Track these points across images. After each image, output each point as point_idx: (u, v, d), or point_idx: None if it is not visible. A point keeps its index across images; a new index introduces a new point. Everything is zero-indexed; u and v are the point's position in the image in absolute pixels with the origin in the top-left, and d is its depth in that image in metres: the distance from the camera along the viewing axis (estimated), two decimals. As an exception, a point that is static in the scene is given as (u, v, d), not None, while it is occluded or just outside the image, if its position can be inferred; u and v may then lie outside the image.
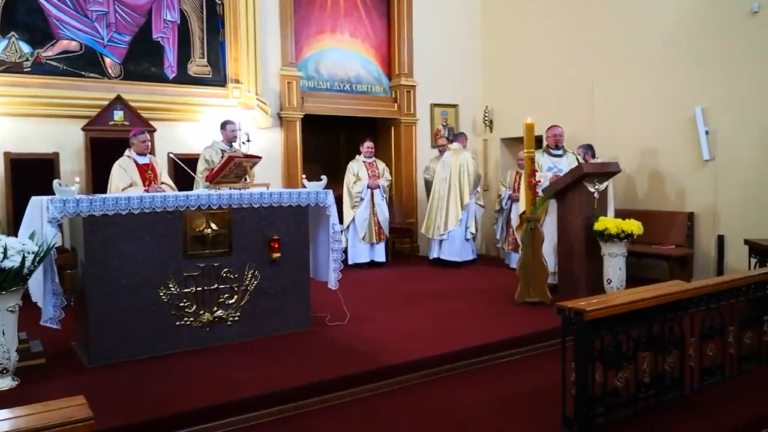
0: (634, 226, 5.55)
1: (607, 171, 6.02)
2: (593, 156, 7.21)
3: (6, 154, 6.52)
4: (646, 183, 7.71)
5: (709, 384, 3.94)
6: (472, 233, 8.10)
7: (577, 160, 6.18)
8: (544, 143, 7.13)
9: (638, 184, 7.78)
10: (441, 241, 8.10)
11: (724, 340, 4.04)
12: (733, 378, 4.06)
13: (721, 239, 6.89)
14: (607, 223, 5.58)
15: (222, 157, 6.57)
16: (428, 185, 8.55)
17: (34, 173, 6.53)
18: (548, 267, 5.86)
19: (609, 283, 5.66)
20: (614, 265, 5.64)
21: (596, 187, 5.75)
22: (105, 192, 6.01)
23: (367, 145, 8.17)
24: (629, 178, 7.79)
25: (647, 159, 7.66)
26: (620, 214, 6.73)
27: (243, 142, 7.60)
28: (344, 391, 3.82)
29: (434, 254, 8.25)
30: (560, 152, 6.57)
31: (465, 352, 4.39)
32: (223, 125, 6.91)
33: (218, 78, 7.88)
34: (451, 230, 7.98)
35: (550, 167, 6.43)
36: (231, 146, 6.87)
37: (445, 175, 8.12)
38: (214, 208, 4.68)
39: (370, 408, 3.74)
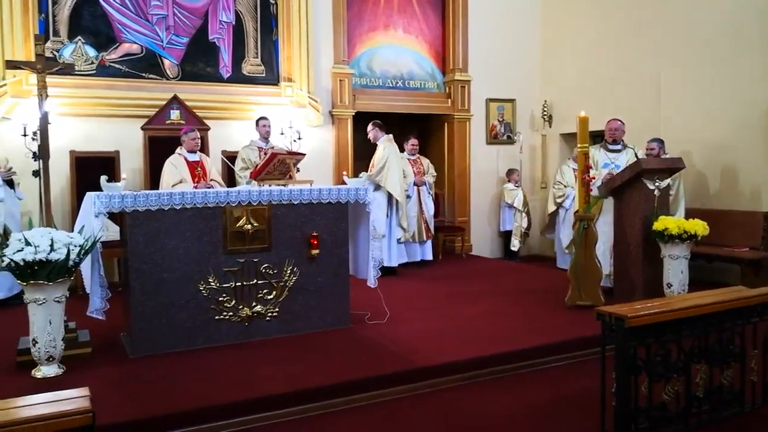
0: (698, 227, 5.17)
1: (669, 167, 5.65)
2: (664, 151, 6.79)
3: (71, 152, 6.83)
4: (718, 180, 7.22)
5: (774, 400, 3.61)
6: None
7: (636, 155, 5.82)
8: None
9: (710, 181, 7.29)
10: None
11: (794, 353, 3.69)
12: (802, 394, 3.69)
13: (801, 242, 6.37)
14: (668, 222, 5.22)
15: (259, 154, 6.67)
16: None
17: (96, 171, 6.78)
18: (602, 269, 5.55)
19: (669, 287, 5.31)
20: (675, 268, 5.27)
21: (656, 184, 5.39)
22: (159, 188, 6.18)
23: (412, 143, 8.04)
24: (700, 175, 7.32)
25: (720, 155, 7.16)
26: (689, 213, 6.34)
27: (293, 140, 7.68)
28: (372, 392, 3.73)
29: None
30: (618, 147, 6.20)
31: (503, 357, 4.20)
32: (257, 122, 7.07)
33: (271, 77, 7.97)
34: None
35: (606, 163, 6.08)
36: (267, 142, 6.95)
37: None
38: (254, 204, 4.68)
39: (397, 411, 3.63)
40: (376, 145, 7.44)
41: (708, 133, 7.23)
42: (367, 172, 7.16)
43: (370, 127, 7.56)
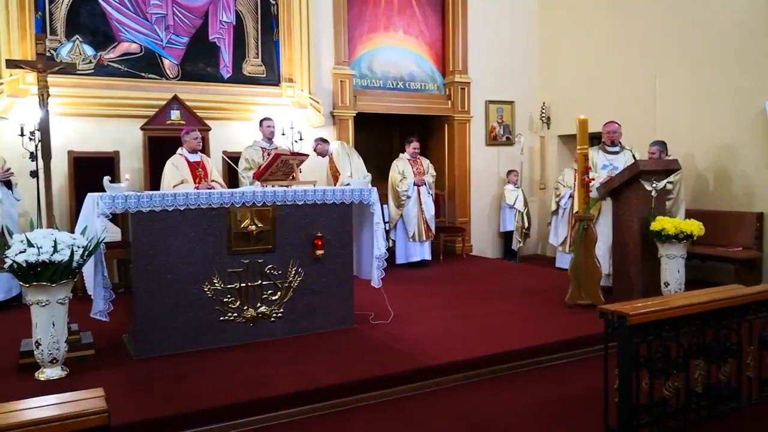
0: (693, 227, 5.25)
1: (665, 168, 5.71)
2: (667, 154, 6.85)
3: (69, 152, 6.78)
4: (712, 182, 7.30)
5: (770, 396, 3.68)
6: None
7: (633, 157, 5.88)
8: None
9: (704, 183, 7.37)
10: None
11: (788, 349, 3.75)
12: (797, 390, 3.76)
13: (794, 242, 6.45)
14: (665, 223, 5.28)
15: (262, 155, 6.67)
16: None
17: (95, 171, 6.77)
18: (602, 268, 5.61)
19: (666, 287, 5.37)
20: (672, 267, 5.35)
21: (654, 185, 5.46)
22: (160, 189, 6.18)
23: (413, 146, 8.08)
24: (700, 177, 7.39)
25: (713, 156, 7.26)
26: (689, 214, 6.40)
27: (295, 141, 7.69)
28: (380, 391, 3.76)
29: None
30: (616, 149, 6.27)
31: (507, 355, 4.25)
32: (261, 122, 7.03)
33: (272, 77, 7.98)
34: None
35: (605, 165, 6.15)
36: (271, 143, 6.95)
37: None
38: (259, 205, 4.70)
39: (406, 409, 3.67)
40: (348, 154, 7.52)
41: (704, 136, 7.30)
42: (345, 179, 7.07)
43: (313, 144, 7.45)
